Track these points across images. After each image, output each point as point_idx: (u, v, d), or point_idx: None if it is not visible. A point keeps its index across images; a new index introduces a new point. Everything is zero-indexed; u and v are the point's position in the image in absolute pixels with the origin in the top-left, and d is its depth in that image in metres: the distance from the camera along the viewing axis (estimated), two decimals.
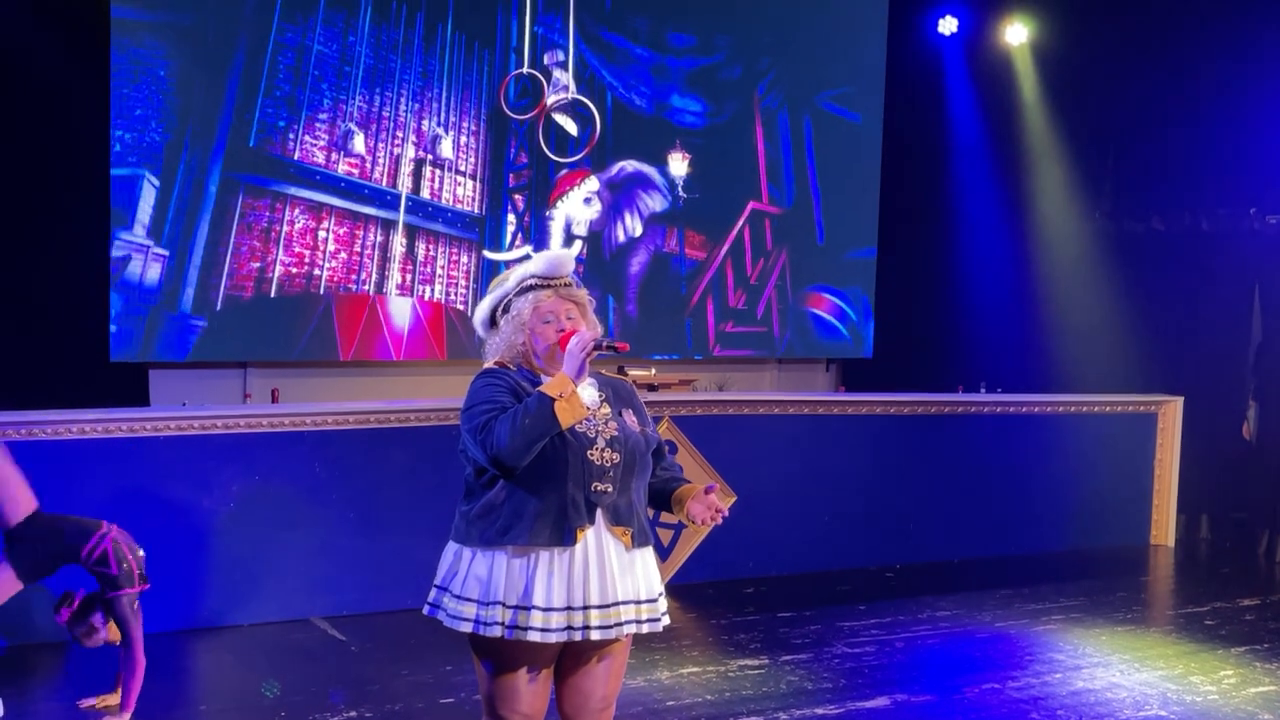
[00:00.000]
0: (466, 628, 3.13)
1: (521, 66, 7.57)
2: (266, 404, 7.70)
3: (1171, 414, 8.43)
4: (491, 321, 3.37)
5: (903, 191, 10.32)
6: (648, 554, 3.29)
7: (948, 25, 10.36)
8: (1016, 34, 10.13)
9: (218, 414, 6.02)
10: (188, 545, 5.82)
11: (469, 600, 3.14)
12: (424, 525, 5.76)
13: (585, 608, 3.12)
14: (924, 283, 10.39)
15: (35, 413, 5.63)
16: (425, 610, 3.26)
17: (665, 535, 6.90)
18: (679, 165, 7.88)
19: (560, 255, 3.34)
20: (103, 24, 7.48)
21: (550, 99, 7.54)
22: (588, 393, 3.18)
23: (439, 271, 7.71)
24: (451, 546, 3.25)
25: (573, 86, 7.53)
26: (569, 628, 3.11)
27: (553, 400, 3.05)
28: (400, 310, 8.07)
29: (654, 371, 8.42)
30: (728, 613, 6.37)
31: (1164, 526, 8.42)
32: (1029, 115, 10.20)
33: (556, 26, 7.64)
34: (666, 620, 3.29)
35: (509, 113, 7.82)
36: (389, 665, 5.41)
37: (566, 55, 7.47)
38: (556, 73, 7.64)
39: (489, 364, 3.32)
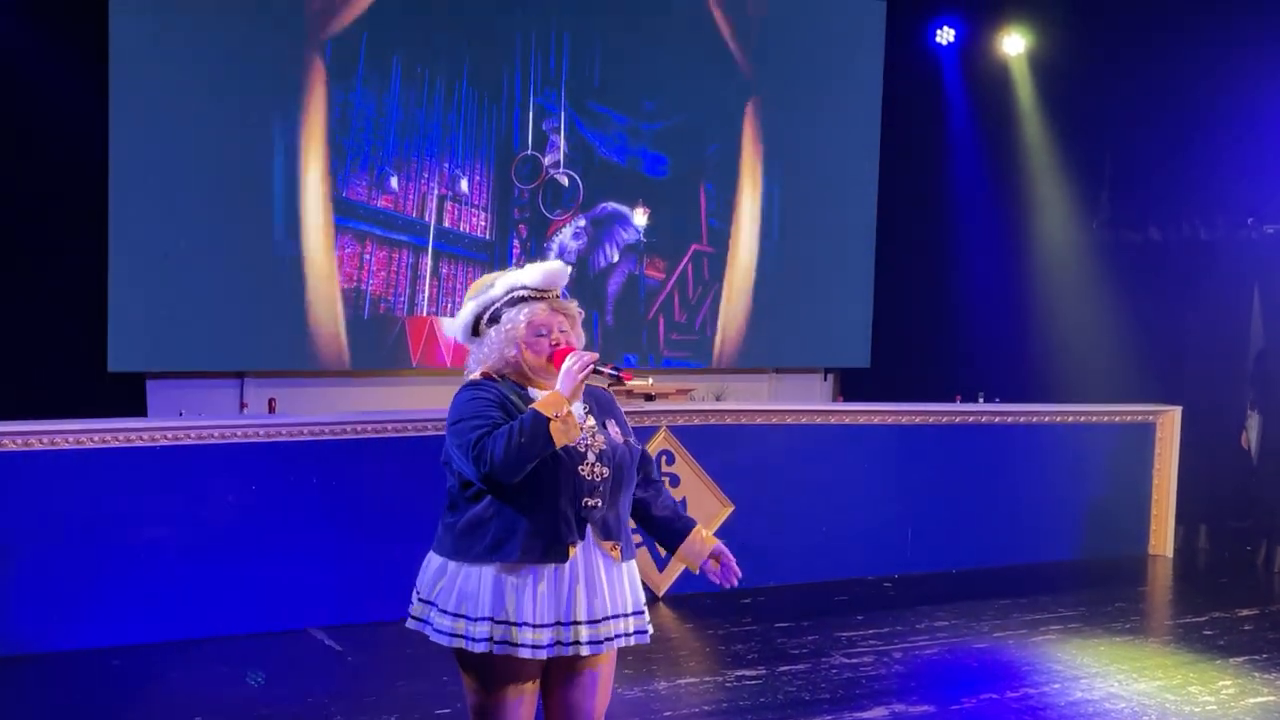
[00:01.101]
0: (454, 643, 3.11)
1: (526, 133, 9.11)
2: (263, 414, 7.71)
3: (1170, 424, 8.42)
4: (475, 329, 3.29)
5: (901, 201, 10.34)
6: (633, 566, 3.28)
7: (945, 36, 10.38)
8: (1014, 44, 10.15)
9: (214, 424, 6.01)
10: (184, 555, 5.81)
11: (457, 615, 3.11)
12: (422, 535, 5.66)
13: (574, 623, 3.11)
14: (922, 293, 10.40)
15: (31, 422, 5.62)
16: (409, 624, 3.22)
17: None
18: (640, 217, 9.59)
19: (555, 267, 3.28)
20: (102, 29, 7.53)
21: (546, 161, 9.19)
22: (575, 407, 3.15)
23: (458, 287, 8.87)
24: (434, 559, 3.22)
25: (563, 147, 9.20)
26: (558, 643, 3.10)
27: (548, 420, 3.03)
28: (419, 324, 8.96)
29: (651, 381, 8.43)
30: (725, 623, 6.36)
31: (1162, 536, 8.41)
32: (1026, 125, 10.22)
33: (553, 98, 9.18)
34: (651, 631, 3.29)
35: (517, 183, 9.11)
36: (386, 676, 5.40)
37: (559, 123, 9.18)
38: (552, 135, 9.21)
39: (474, 375, 3.27)
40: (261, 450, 6.00)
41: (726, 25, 9.75)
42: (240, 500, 5.94)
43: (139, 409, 7.81)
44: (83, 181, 7.63)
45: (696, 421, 7.10)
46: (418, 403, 7.90)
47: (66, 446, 5.61)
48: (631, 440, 3.31)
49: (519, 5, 8.95)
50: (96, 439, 5.68)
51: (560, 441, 3.05)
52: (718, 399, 9.34)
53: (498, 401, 3.15)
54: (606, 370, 3.15)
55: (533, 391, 3.21)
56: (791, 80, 9.92)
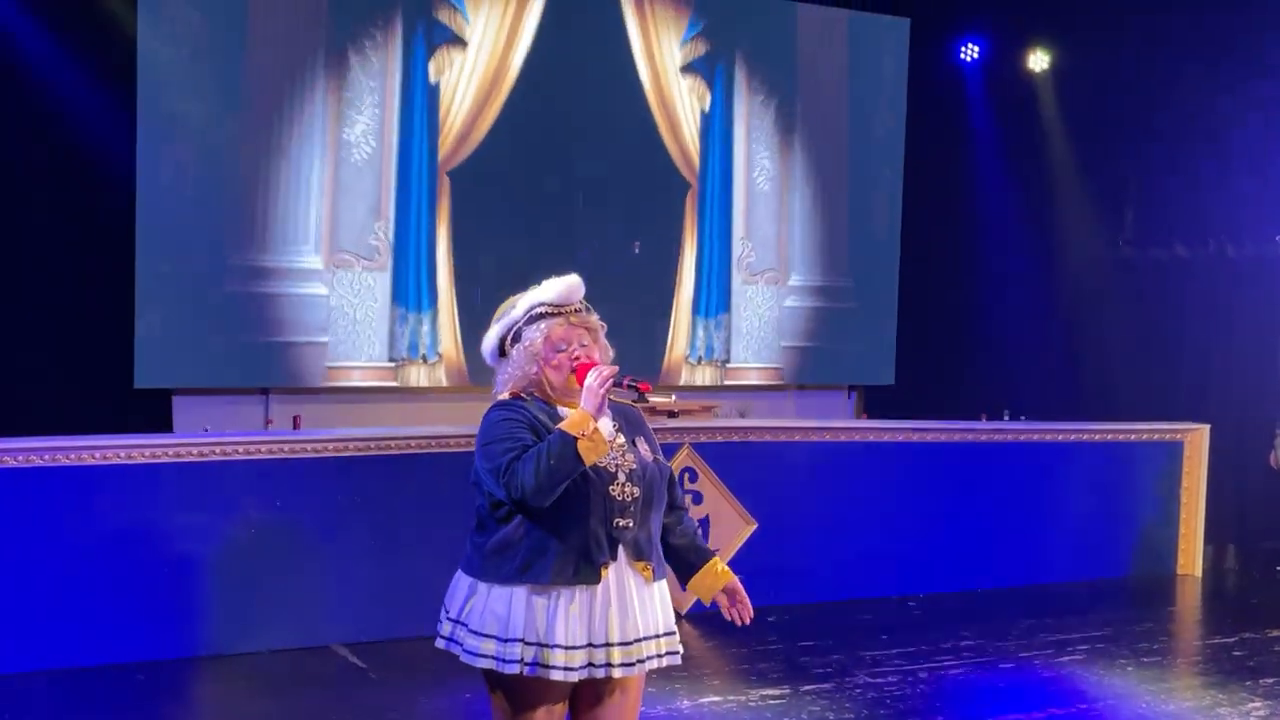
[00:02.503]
0: (485, 664, 3.10)
1: None
2: (288, 430, 7.74)
3: (1198, 442, 8.36)
4: (501, 350, 3.31)
5: (925, 217, 10.33)
6: (663, 586, 3.28)
7: (969, 53, 10.38)
8: (1039, 61, 10.14)
9: (239, 440, 6.04)
10: (208, 571, 5.83)
11: (487, 636, 3.10)
12: (445, 552, 5.68)
13: (607, 645, 3.10)
14: (947, 310, 10.38)
15: (57, 438, 5.67)
16: (438, 643, 3.23)
17: None
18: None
19: (570, 282, 3.28)
20: (130, 49, 7.61)
21: None
22: (604, 424, 3.14)
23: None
24: (464, 579, 3.22)
25: None
26: (590, 665, 3.10)
27: (575, 439, 3.02)
28: None
29: (674, 398, 8.42)
30: (749, 641, 6.32)
31: (1191, 556, 8.34)
32: (1051, 141, 10.21)
33: None
34: (681, 651, 3.28)
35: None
36: (408, 693, 5.40)
37: None
38: None
39: (502, 395, 3.28)
40: (286, 466, 6.03)
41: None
42: (265, 516, 5.96)
43: (165, 425, 7.86)
44: (110, 198, 7.71)
45: (720, 439, 7.09)
46: (444, 419, 7.91)
47: (93, 462, 5.64)
48: (660, 458, 3.31)
49: None
50: (123, 455, 5.72)
51: (590, 459, 3.04)
52: (741, 416, 9.33)
53: (526, 422, 3.15)
54: (625, 384, 3.15)
55: (561, 410, 3.21)
56: (814, 97, 9.93)
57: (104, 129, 7.60)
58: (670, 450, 6.84)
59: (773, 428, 7.37)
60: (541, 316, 3.24)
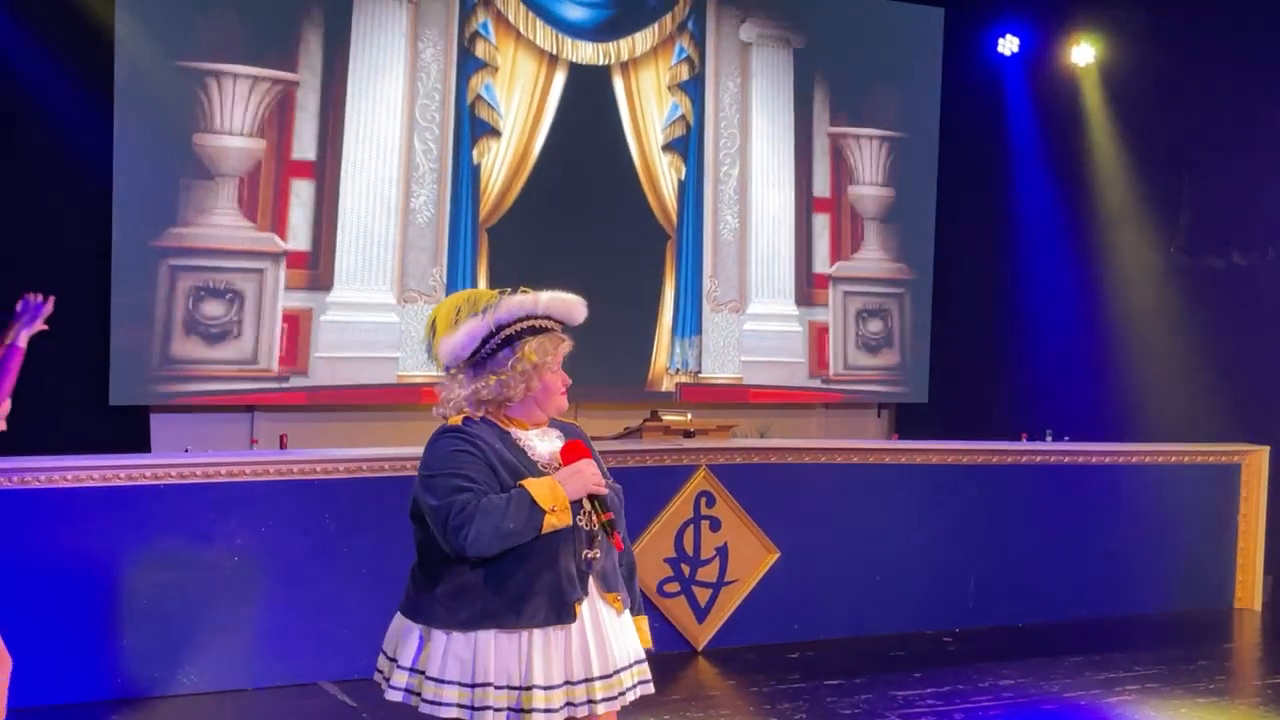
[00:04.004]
0: (452, 713, 3.07)
1: None
2: (274, 450, 7.75)
3: (1257, 464, 8.33)
4: (472, 355, 3.15)
5: (961, 221, 10.32)
6: (628, 615, 3.31)
7: (1008, 45, 10.37)
8: (1083, 54, 10.12)
9: (222, 460, 6.05)
10: (189, 602, 5.83)
11: (450, 683, 3.07)
12: None
13: (588, 680, 3.12)
14: (985, 322, 10.35)
15: (29, 459, 5.68)
16: (390, 694, 3.16)
17: (703, 595, 6.86)
18: None
19: (579, 301, 3.27)
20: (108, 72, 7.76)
21: None
22: (550, 444, 3.18)
23: None
24: (411, 627, 3.15)
25: None
26: (570, 704, 3.11)
27: (544, 513, 3.02)
28: None
29: (689, 416, 8.41)
30: (770, 679, 6.30)
31: (1249, 588, 8.30)
32: (1097, 141, 10.18)
33: None
34: (651, 679, 3.30)
35: None
36: None
37: None
38: None
39: (453, 417, 3.18)
40: (272, 489, 6.03)
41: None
42: (249, 543, 5.96)
43: (142, 444, 7.87)
44: (86, 201, 7.79)
45: (739, 460, 7.08)
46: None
47: (66, 484, 5.65)
48: (612, 481, 3.28)
49: None
50: (98, 476, 5.72)
51: (548, 530, 3.04)
52: (762, 436, 9.32)
53: (481, 457, 3.09)
54: (601, 519, 3.16)
55: (515, 433, 3.18)
56: (842, 92, 10.01)
57: (82, 141, 7.75)
58: (686, 472, 6.83)
59: (795, 448, 7.35)
60: (543, 331, 3.19)
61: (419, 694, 3.12)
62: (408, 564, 6.09)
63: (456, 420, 3.17)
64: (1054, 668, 6.69)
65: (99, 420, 7.78)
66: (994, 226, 10.41)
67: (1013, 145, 10.46)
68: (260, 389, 8.08)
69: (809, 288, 9.40)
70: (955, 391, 10.23)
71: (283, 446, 8.06)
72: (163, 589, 5.75)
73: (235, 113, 7.75)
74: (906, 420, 10.48)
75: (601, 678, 3.14)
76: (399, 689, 3.16)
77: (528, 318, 3.17)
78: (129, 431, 7.83)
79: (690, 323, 8.98)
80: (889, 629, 7.32)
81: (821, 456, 7.31)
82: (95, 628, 5.66)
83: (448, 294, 7.75)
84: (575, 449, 3.17)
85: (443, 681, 3.08)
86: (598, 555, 3.17)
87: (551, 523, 3.04)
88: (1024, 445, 8.20)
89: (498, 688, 3.06)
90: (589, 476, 3.12)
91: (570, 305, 3.24)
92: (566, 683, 3.10)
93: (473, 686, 3.06)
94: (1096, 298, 10.15)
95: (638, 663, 3.27)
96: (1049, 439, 8.68)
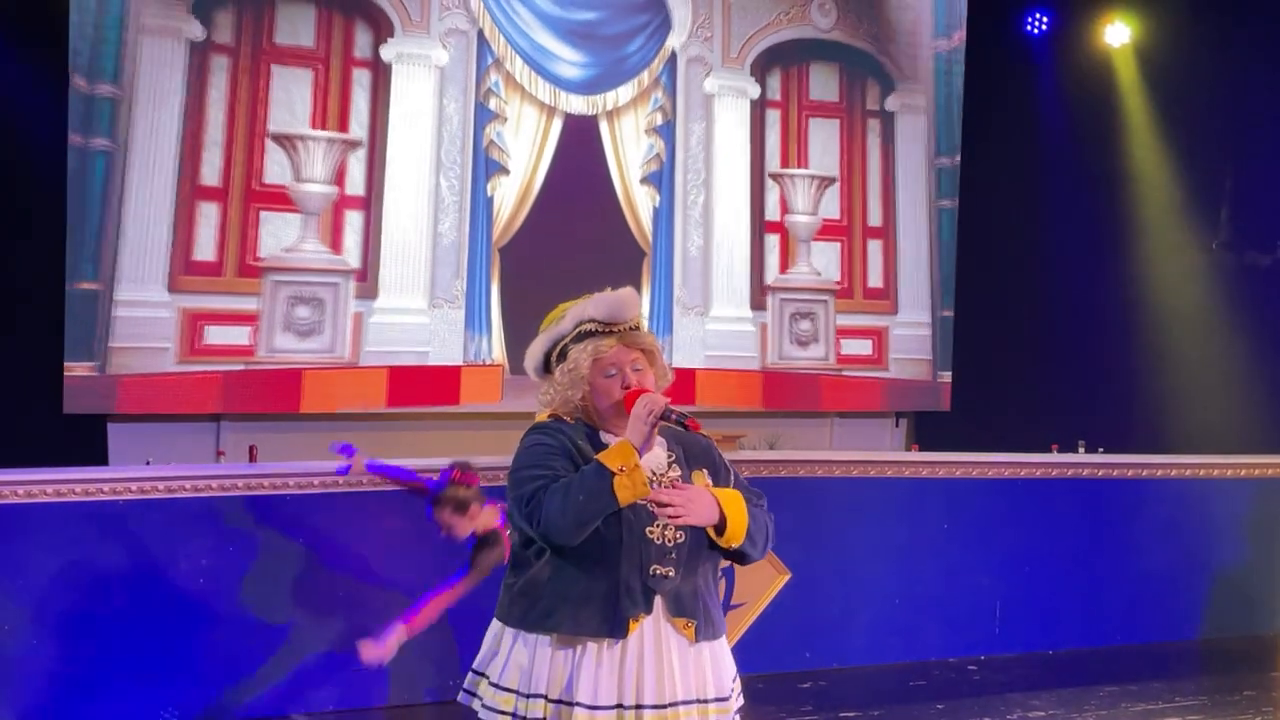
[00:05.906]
0: None
1: None
2: (243, 463, 7.75)
3: None
4: (546, 366, 3.34)
5: (984, 215, 10.33)
6: (718, 647, 3.28)
7: (1037, 24, 10.40)
8: (1118, 34, 10.15)
9: (186, 474, 6.04)
10: (151, 627, 5.82)
11: (507, 690, 3.16)
12: None
13: (638, 707, 3.12)
14: (1011, 325, 10.36)
15: None
16: (459, 697, 3.29)
17: None
18: None
19: (624, 296, 3.31)
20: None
21: None
22: (653, 456, 3.18)
23: None
24: (494, 625, 3.28)
25: None
26: None
27: (613, 474, 3.04)
28: None
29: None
30: (780, 711, 6.30)
31: None
32: (1132, 128, 10.21)
33: None
34: None
35: None
36: None
37: None
38: None
39: (542, 415, 3.32)
40: (241, 505, 6.03)
41: None
42: (216, 563, 5.95)
43: (99, 457, 7.87)
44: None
45: (746, 473, 7.01)
46: (423, 450, 7.92)
47: (16, 500, 5.64)
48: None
49: None
50: (50, 491, 5.71)
51: (625, 499, 3.06)
52: (771, 447, 9.32)
53: (562, 450, 3.19)
54: (674, 418, 3.16)
55: (605, 436, 3.25)
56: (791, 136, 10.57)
57: (39, 137, 7.82)
58: None
59: (807, 460, 7.36)
60: (589, 335, 3.27)
61: (480, 697, 3.22)
62: (386, 585, 6.14)
63: (544, 418, 3.30)
64: (1087, 698, 6.70)
65: (50, 430, 7.77)
66: (1020, 220, 10.41)
67: (1040, 130, 10.47)
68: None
69: (761, 295, 10.81)
70: (979, 400, 10.24)
71: (252, 458, 8.06)
72: (119, 614, 5.73)
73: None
74: (927, 431, 10.48)
75: (654, 707, 3.13)
76: (464, 689, 3.29)
77: (581, 323, 3.29)
78: (85, 443, 7.83)
79: (663, 324, 10.53)
80: (909, 657, 7.33)
81: (835, 469, 7.32)
82: (44, 657, 5.64)
83: (466, 300, 9.70)
84: (635, 395, 3.18)
85: (501, 687, 3.17)
86: (670, 573, 3.15)
87: (624, 486, 3.03)
88: (1054, 458, 8.21)
89: (550, 700, 3.11)
90: (641, 408, 3.12)
91: (612, 304, 3.30)
92: (618, 706, 3.11)
93: (527, 696, 3.14)
94: (1132, 298, 10.18)
95: (717, 701, 3.24)
96: (1081, 450, 8.69)
